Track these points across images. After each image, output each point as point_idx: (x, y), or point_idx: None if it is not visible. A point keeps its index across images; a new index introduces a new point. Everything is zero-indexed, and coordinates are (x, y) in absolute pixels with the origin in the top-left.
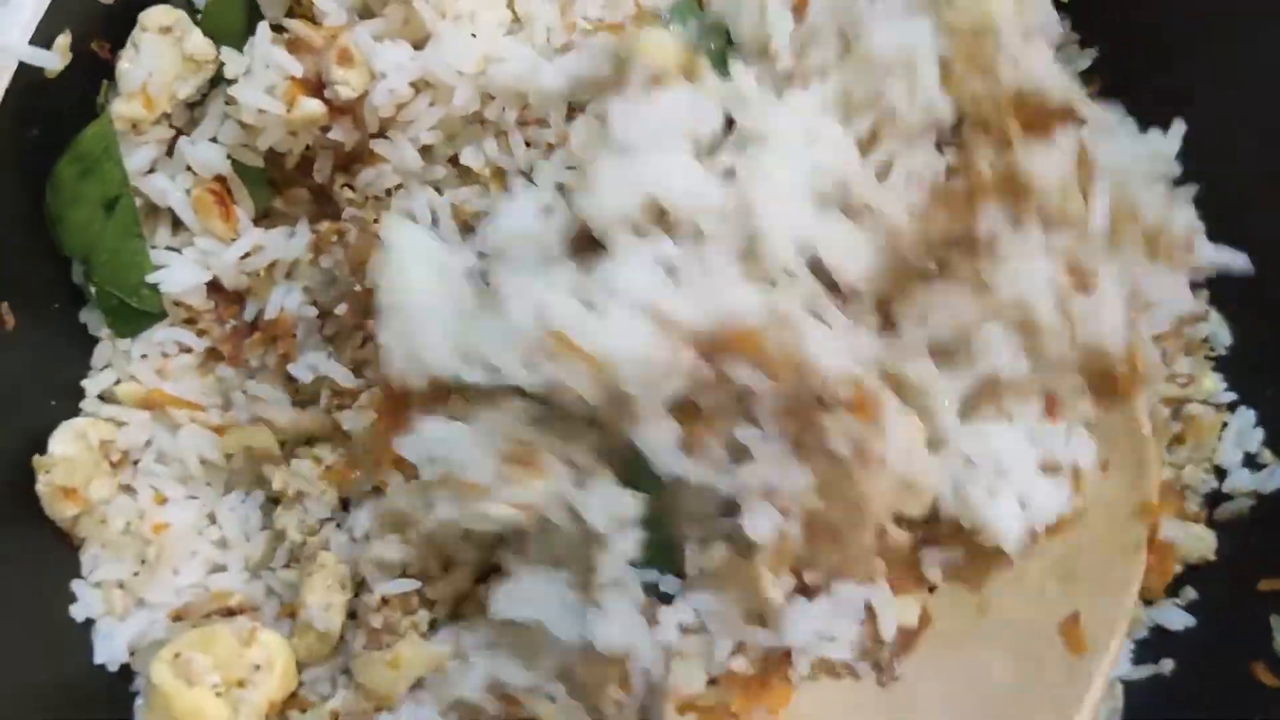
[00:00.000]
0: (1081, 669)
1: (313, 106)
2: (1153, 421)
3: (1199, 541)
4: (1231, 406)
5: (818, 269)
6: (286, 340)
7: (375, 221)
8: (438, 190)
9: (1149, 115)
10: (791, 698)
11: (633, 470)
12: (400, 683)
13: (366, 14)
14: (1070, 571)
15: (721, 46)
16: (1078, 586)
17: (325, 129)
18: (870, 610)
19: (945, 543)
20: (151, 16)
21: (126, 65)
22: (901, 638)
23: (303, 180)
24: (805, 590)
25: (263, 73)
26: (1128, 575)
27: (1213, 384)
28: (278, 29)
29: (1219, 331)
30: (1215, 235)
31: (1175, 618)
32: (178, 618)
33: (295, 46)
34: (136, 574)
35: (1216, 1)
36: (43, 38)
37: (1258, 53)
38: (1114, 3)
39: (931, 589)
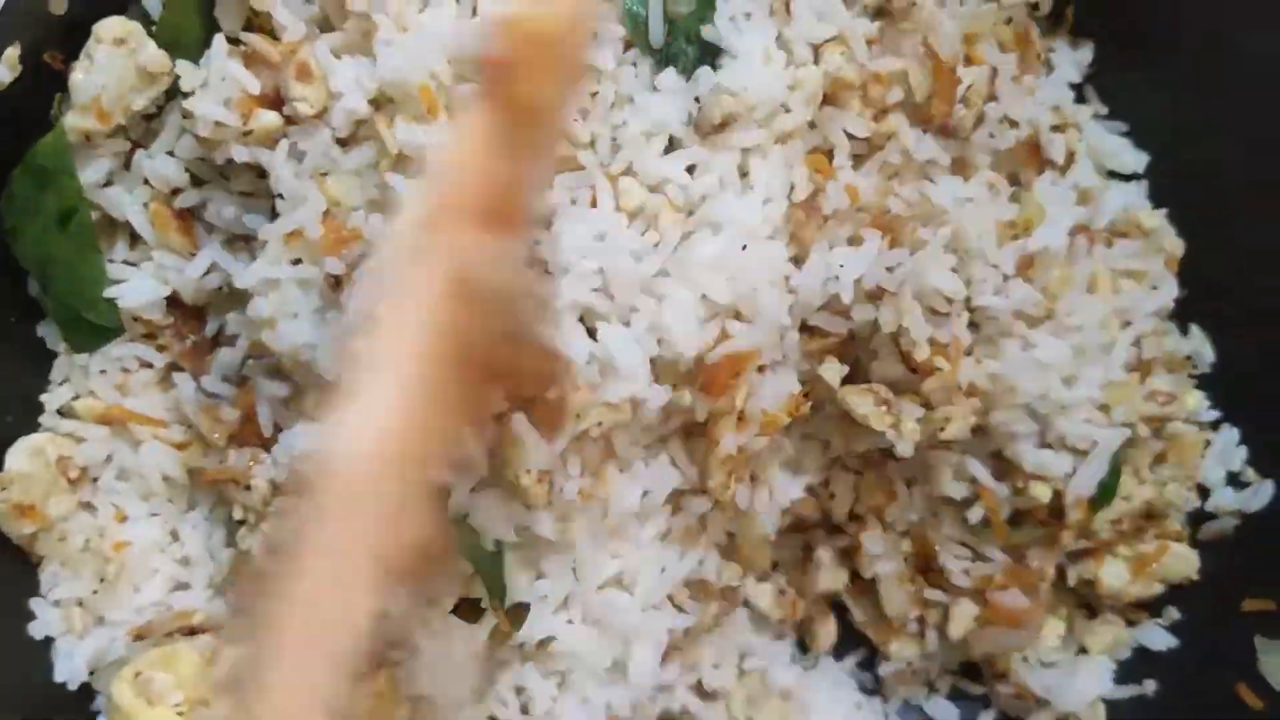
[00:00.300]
0: None
1: (270, 119)
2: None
3: (1183, 561)
4: (1215, 425)
5: None
6: None
7: None
8: None
9: (1137, 125)
10: None
11: None
12: (387, 709)
13: (327, 27)
14: None
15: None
16: None
17: None
18: None
19: None
20: (106, 28)
21: (80, 77)
22: None
23: None
24: None
25: (219, 85)
26: None
27: (1195, 402)
28: (234, 42)
29: (1202, 349)
30: (1201, 243)
31: (1159, 638)
32: (139, 636)
33: (252, 60)
34: (96, 592)
35: (1203, 9)
36: None
37: (1244, 61)
38: (1100, 9)
39: None
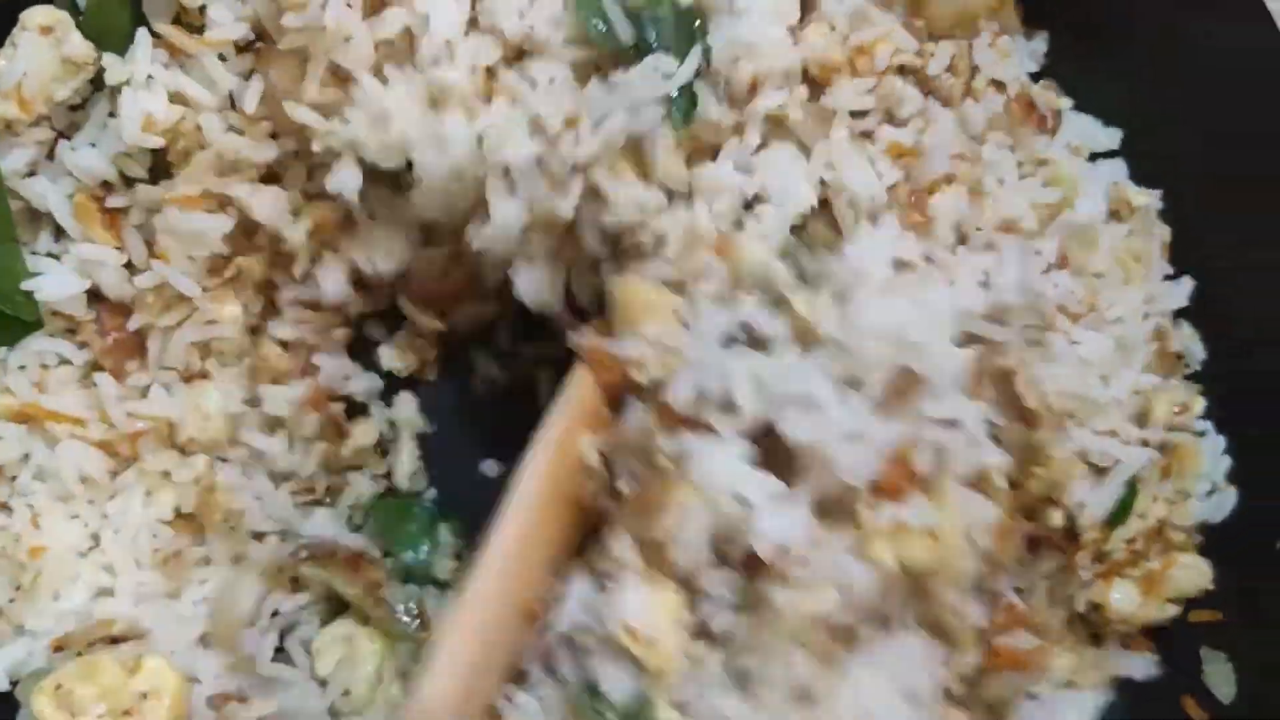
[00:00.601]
0: None
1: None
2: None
3: (1193, 572)
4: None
5: None
6: None
7: None
8: None
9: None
10: None
11: None
12: None
13: (264, 36)
14: None
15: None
16: None
17: None
18: None
19: None
20: (33, 16)
21: (2, 64)
22: None
23: None
24: None
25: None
26: None
27: (1200, 408)
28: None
29: (1192, 346)
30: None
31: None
32: (59, 648)
33: (175, 52)
34: (13, 600)
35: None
36: None
37: (1197, 53)
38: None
39: None
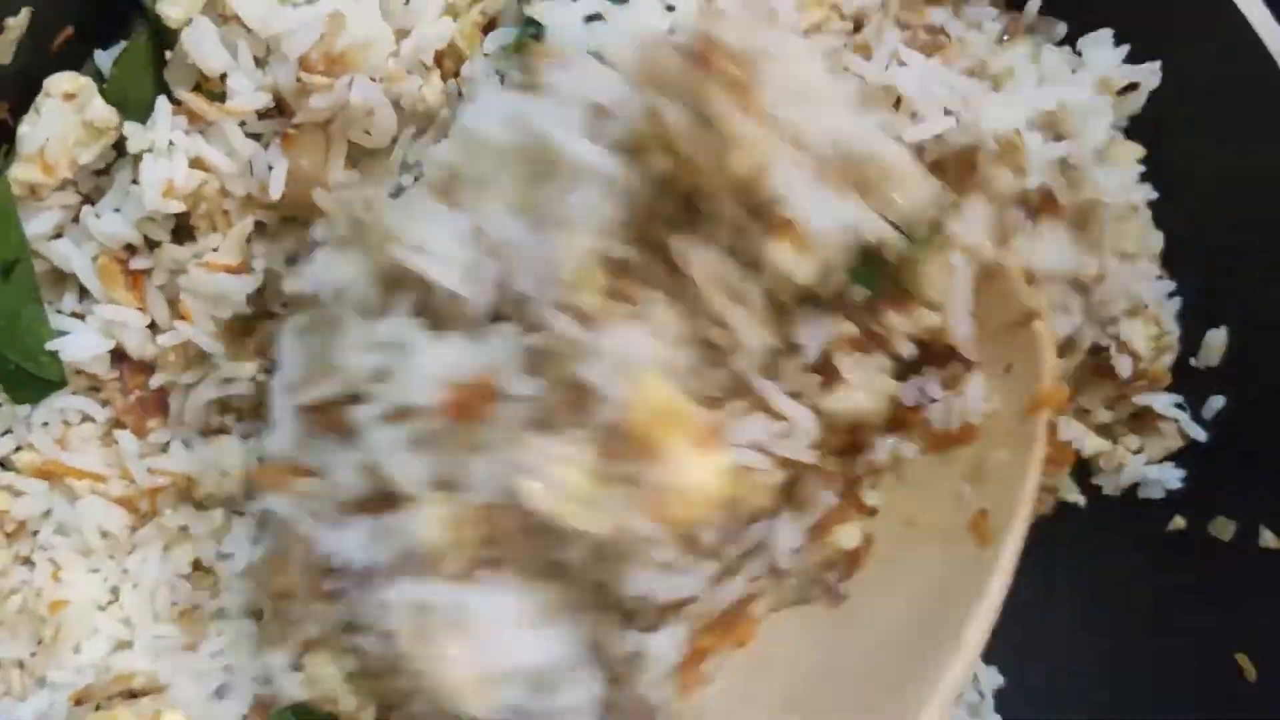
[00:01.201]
0: (988, 557)
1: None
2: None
3: None
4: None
5: None
6: None
7: None
8: None
9: None
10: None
11: None
12: None
13: (285, 108)
14: (980, 473)
15: None
16: (986, 487)
17: None
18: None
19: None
20: (56, 82)
21: (26, 129)
22: (846, 560)
23: None
24: None
25: (166, 157)
26: (1025, 468)
27: None
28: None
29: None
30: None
31: None
32: (79, 701)
33: (195, 118)
34: (34, 654)
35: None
36: None
37: (1213, 51)
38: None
39: (872, 513)
